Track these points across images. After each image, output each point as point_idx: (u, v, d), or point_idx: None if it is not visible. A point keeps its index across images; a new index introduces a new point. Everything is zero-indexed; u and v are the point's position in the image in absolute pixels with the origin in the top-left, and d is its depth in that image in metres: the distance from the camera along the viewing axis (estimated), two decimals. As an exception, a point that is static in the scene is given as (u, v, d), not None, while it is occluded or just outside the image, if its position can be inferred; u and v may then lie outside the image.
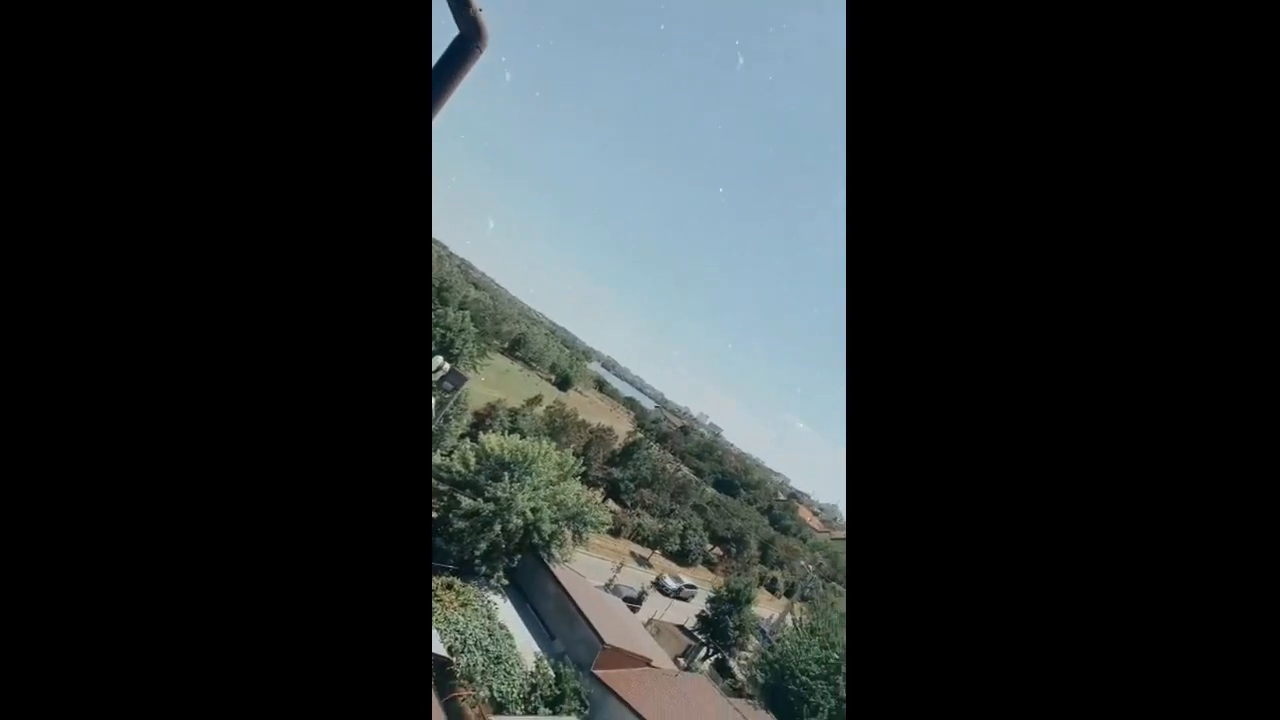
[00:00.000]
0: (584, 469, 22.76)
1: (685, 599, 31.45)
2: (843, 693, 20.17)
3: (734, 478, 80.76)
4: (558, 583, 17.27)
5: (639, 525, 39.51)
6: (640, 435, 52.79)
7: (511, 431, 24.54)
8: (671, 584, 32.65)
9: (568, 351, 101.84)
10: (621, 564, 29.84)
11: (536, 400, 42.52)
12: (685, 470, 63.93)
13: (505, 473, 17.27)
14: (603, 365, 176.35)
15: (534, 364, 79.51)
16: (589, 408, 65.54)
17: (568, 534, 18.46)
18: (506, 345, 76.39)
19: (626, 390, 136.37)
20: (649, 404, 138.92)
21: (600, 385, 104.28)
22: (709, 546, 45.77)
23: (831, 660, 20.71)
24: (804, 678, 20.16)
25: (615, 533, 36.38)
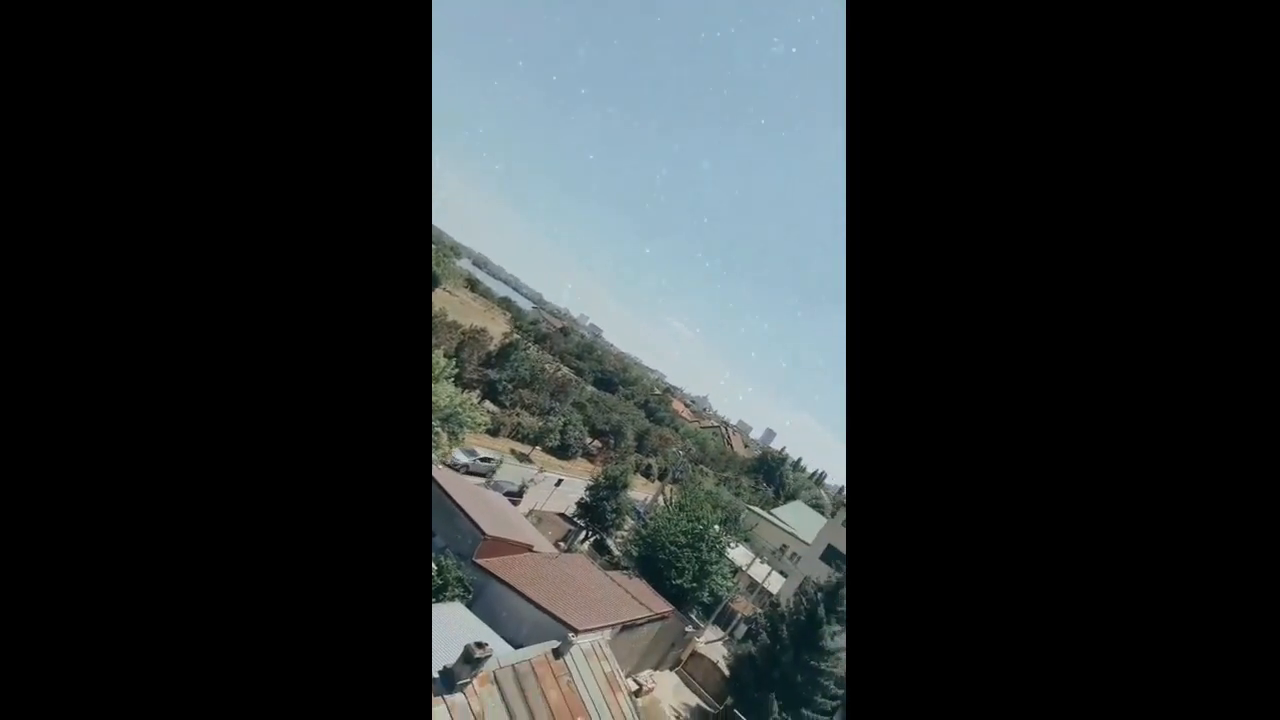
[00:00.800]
0: (457, 371, 21.93)
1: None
2: (704, 556, 22.88)
3: (613, 376, 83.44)
4: (435, 482, 17.04)
5: (518, 424, 39.82)
6: (517, 336, 51.75)
7: (373, 332, 22.50)
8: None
9: (433, 246, 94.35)
10: (501, 460, 30.20)
11: (401, 300, 39.28)
12: (565, 370, 64.58)
13: (368, 375, 16.09)
14: (474, 263, 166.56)
15: (397, 261, 72.64)
16: (460, 308, 62.39)
17: (443, 435, 18.03)
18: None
19: (501, 290, 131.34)
20: (526, 305, 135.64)
21: (472, 284, 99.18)
22: (589, 440, 47.71)
23: (695, 530, 23.20)
24: (672, 547, 22.50)
25: (494, 432, 36.40)
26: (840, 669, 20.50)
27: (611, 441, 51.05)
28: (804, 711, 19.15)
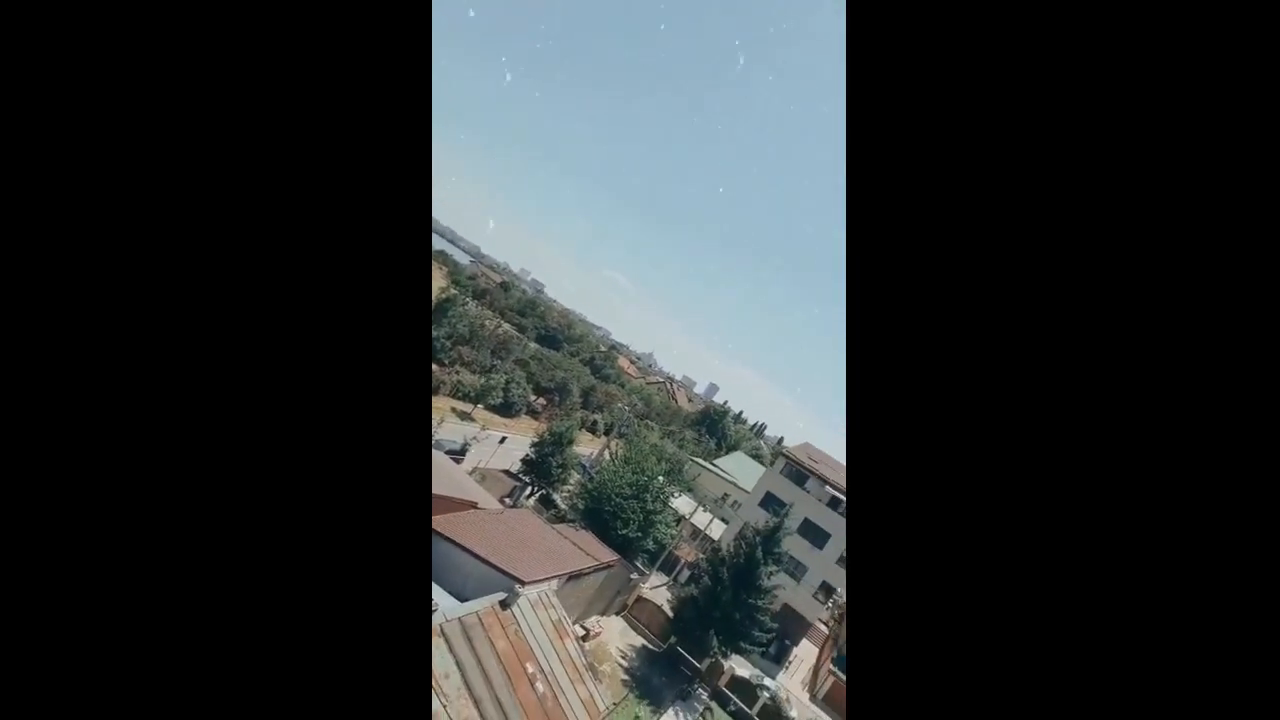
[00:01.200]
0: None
1: None
2: (649, 506, 23.51)
3: (557, 332, 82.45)
4: (371, 442, 16.47)
5: (459, 382, 38.90)
6: (454, 292, 49.94)
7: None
8: None
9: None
10: (442, 419, 29.57)
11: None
12: (507, 327, 63.16)
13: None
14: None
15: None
16: (395, 262, 59.07)
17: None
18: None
19: (436, 243, 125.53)
20: (463, 259, 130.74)
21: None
22: (533, 398, 47.32)
23: (640, 482, 23.72)
24: (618, 499, 22.95)
25: (433, 391, 35.45)
26: (776, 605, 21.87)
27: (556, 399, 50.86)
28: (741, 644, 20.44)
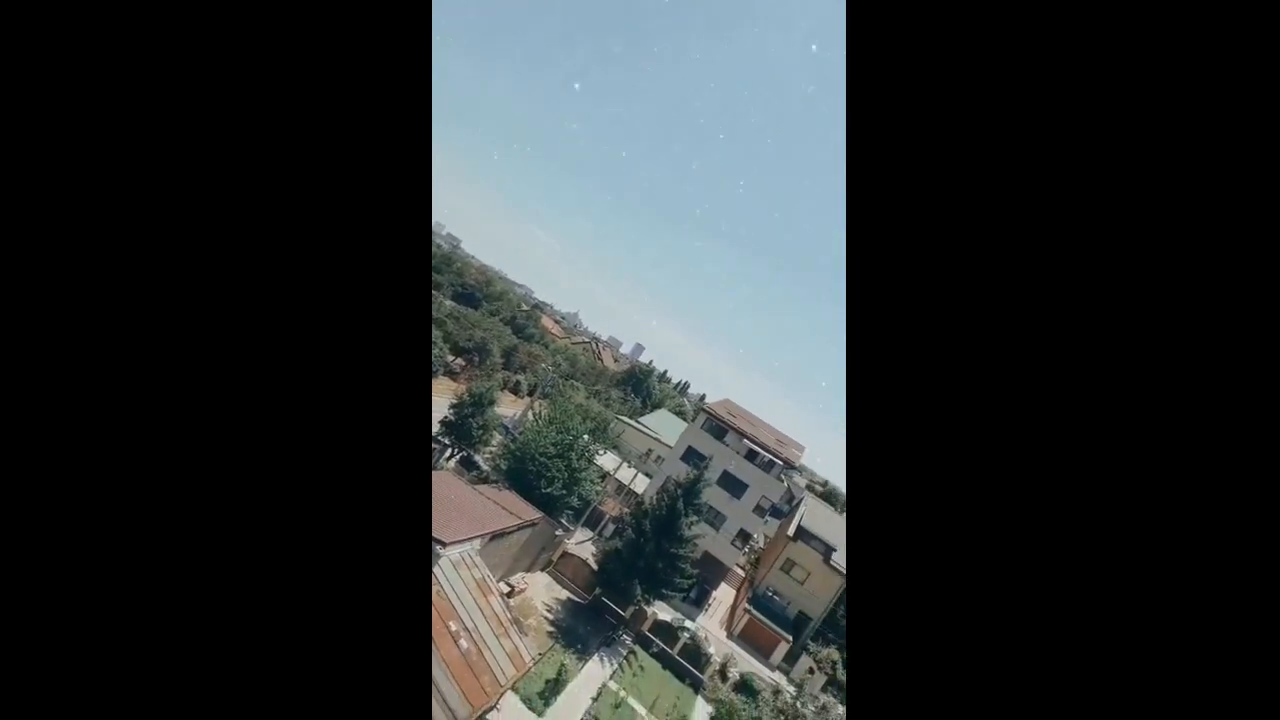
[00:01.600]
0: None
1: None
2: (574, 464, 23.60)
3: (475, 290, 79.38)
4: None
5: (370, 342, 36.62)
6: (363, 245, 46.34)
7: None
8: None
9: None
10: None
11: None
12: (421, 284, 59.71)
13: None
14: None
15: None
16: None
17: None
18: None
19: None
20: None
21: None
22: (450, 358, 45.61)
23: (565, 441, 23.70)
24: (542, 459, 22.83)
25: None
26: (696, 553, 22.91)
27: (476, 359, 49.32)
28: (664, 591, 21.34)
